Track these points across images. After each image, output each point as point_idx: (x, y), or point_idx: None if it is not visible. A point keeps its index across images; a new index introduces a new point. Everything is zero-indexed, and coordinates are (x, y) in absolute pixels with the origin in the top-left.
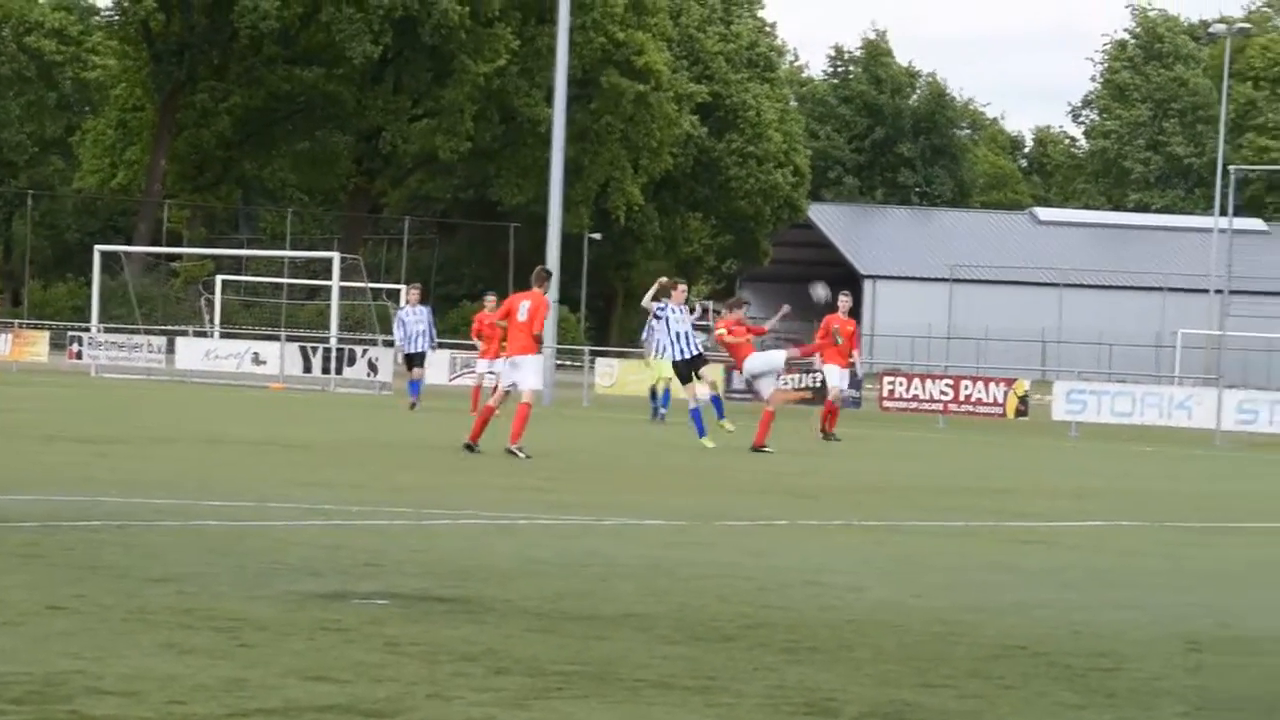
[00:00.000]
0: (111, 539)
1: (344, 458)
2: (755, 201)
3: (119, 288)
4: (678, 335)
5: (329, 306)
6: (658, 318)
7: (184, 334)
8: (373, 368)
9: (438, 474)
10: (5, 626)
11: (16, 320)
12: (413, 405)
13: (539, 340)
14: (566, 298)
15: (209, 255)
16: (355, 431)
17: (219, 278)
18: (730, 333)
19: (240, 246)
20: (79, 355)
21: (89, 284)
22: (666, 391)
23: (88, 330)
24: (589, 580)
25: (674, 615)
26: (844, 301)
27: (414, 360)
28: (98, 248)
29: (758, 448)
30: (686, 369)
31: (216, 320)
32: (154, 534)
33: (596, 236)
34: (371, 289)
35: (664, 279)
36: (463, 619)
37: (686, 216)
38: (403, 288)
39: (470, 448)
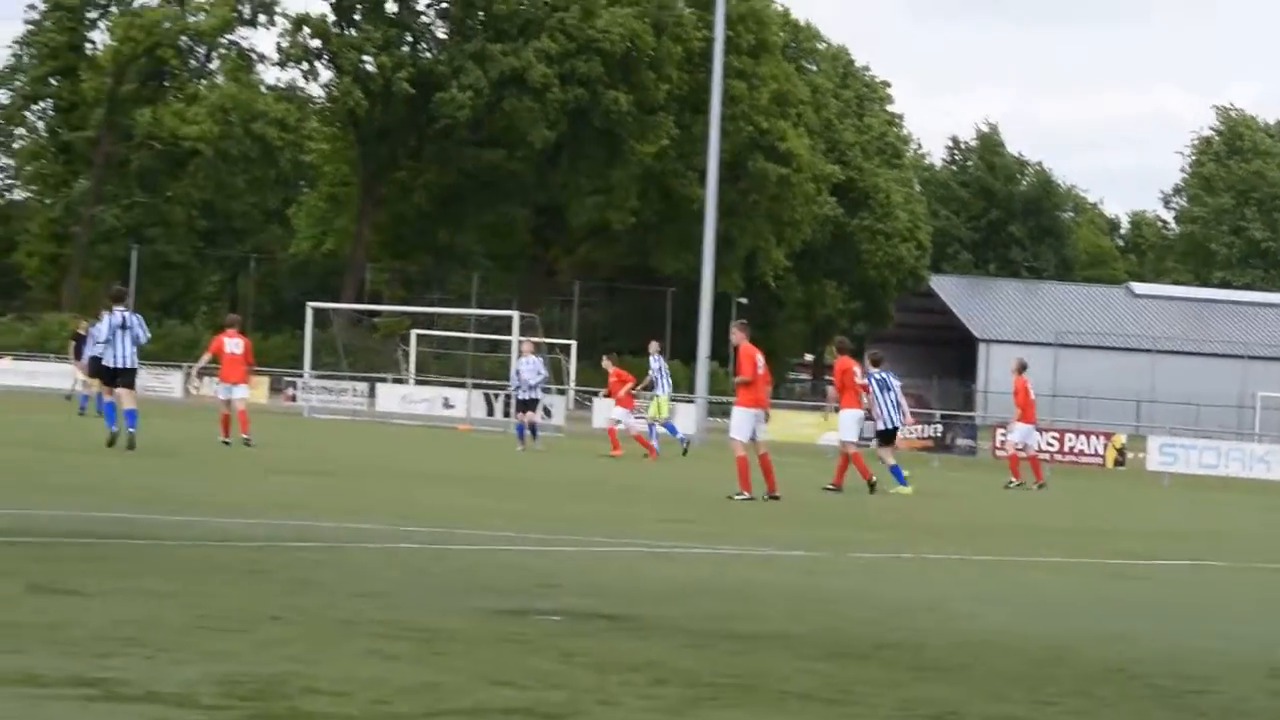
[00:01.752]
0: (323, 558)
1: (522, 491)
2: (883, 272)
3: (328, 340)
4: (896, 404)
5: (509, 358)
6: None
7: (384, 381)
8: (547, 413)
9: (603, 506)
10: (233, 633)
11: None
12: (521, 447)
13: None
14: (717, 354)
15: (406, 312)
16: (531, 468)
17: (414, 332)
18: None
19: (433, 305)
20: (293, 398)
21: (302, 336)
22: (652, 425)
23: (301, 376)
24: (739, 603)
25: (815, 636)
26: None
27: (526, 405)
28: (310, 304)
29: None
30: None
31: (412, 369)
32: (360, 554)
33: (744, 300)
34: (546, 344)
35: (875, 351)
36: (627, 635)
37: (823, 284)
38: (572, 343)
39: (775, 496)
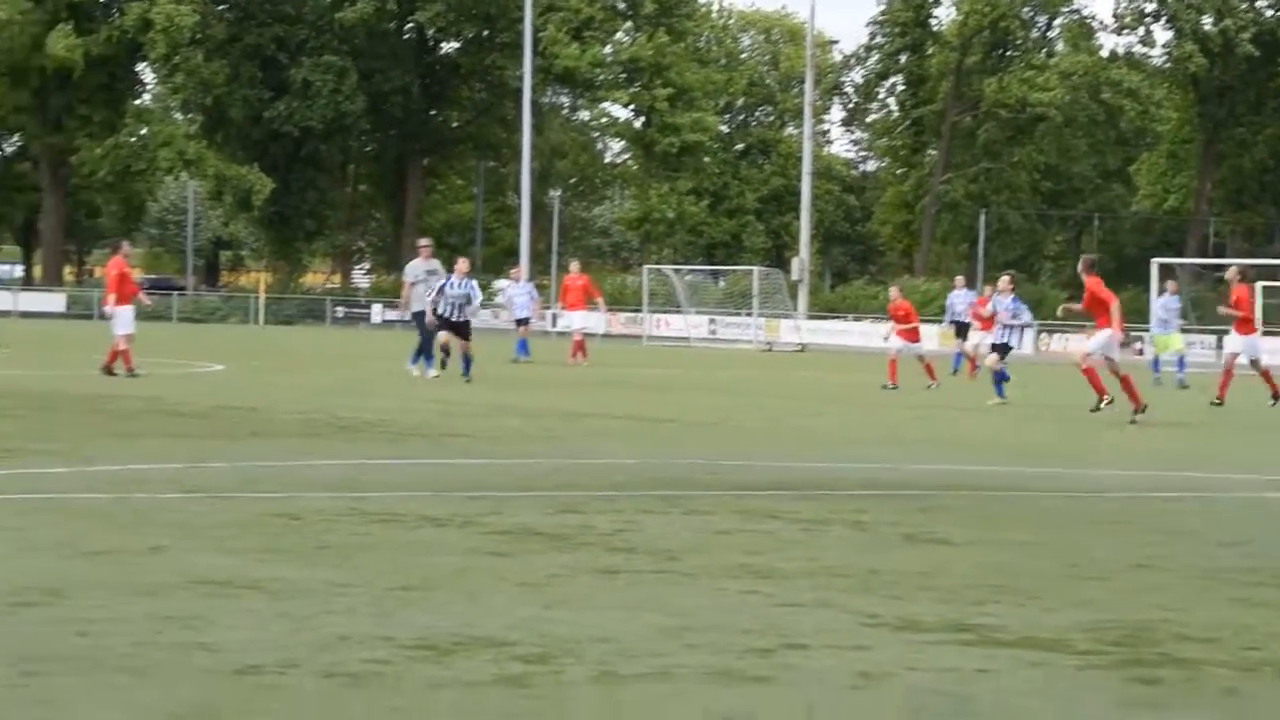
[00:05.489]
0: (1188, 508)
1: None
2: None
3: None
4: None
5: None
6: None
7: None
8: None
9: None
10: (1098, 581)
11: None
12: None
13: None
14: None
15: (1250, 264)
16: None
17: (1259, 284)
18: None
19: (1275, 256)
20: (1140, 352)
21: (1146, 292)
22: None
23: (1147, 330)
24: None
25: None
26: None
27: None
28: (1154, 260)
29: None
30: None
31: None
32: (1225, 504)
33: None
34: None
35: None
36: None
37: None
38: None
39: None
